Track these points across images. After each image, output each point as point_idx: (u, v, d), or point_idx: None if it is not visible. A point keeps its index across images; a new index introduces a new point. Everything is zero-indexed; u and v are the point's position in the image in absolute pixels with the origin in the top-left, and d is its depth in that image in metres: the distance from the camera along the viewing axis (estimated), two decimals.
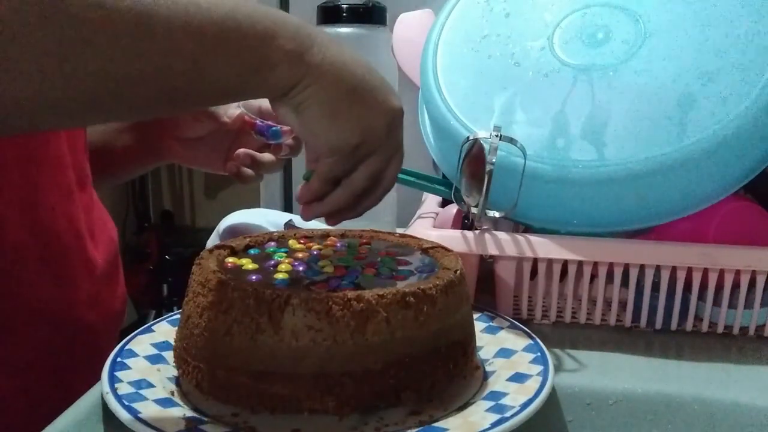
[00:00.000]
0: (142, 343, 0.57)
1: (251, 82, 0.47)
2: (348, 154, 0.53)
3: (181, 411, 0.48)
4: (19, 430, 0.64)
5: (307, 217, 0.58)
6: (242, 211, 0.86)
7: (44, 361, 0.68)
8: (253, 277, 0.51)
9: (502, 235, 0.64)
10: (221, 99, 0.54)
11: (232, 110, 0.75)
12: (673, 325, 0.66)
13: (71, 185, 0.71)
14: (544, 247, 0.63)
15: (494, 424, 0.45)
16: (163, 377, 0.53)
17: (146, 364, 0.54)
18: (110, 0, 0.38)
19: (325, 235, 0.63)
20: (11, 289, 0.65)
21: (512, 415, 0.46)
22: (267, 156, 0.76)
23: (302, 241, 0.61)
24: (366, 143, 0.52)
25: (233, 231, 0.81)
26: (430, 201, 0.80)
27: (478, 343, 0.57)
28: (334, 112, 0.50)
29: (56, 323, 0.69)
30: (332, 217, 0.58)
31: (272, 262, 0.55)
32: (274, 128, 0.73)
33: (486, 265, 0.67)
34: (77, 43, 0.38)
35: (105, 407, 0.49)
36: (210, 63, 0.44)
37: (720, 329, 0.66)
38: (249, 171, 0.75)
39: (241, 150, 0.75)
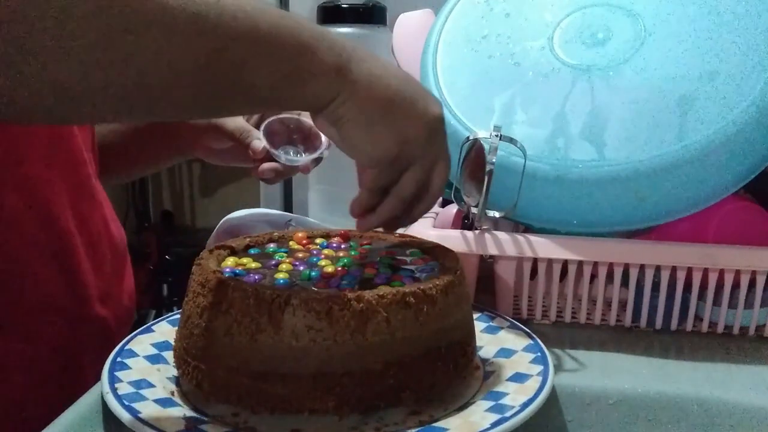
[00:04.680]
0: (142, 343, 0.57)
1: (288, 92, 0.48)
2: (389, 165, 0.53)
3: (181, 411, 0.48)
4: (29, 424, 0.64)
5: (361, 229, 0.58)
6: (242, 211, 0.86)
7: (59, 356, 0.69)
8: (254, 277, 0.51)
9: (502, 235, 0.64)
10: (258, 106, 0.59)
11: (255, 143, 0.77)
12: (673, 325, 0.66)
13: (86, 183, 0.73)
14: (544, 247, 0.63)
15: (494, 424, 0.45)
16: (163, 377, 0.53)
17: (146, 364, 0.54)
18: None
19: (326, 236, 0.63)
20: (25, 285, 0.67)
21: (512, 415, 0.46)
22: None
23: (302, 242, 0.61)
24: (405, 153, 0.53)
25: (233, 231, 0.81)
26: None
27: (478, 343, 0.57)
28: (371, 126, 0.51)
29: (70, 319, 0.70)
30: (388, 226, 0.58)
31: (273, 262, 0.55)
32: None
33: (486, 265, 0.67)
34: (129, 34, 0.38)
35: (105, 407, 0.49)
36: (250, 69, 0.45)
37: (720, 329, 0.66)
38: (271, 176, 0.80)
39: (266, 166, 0.78)
